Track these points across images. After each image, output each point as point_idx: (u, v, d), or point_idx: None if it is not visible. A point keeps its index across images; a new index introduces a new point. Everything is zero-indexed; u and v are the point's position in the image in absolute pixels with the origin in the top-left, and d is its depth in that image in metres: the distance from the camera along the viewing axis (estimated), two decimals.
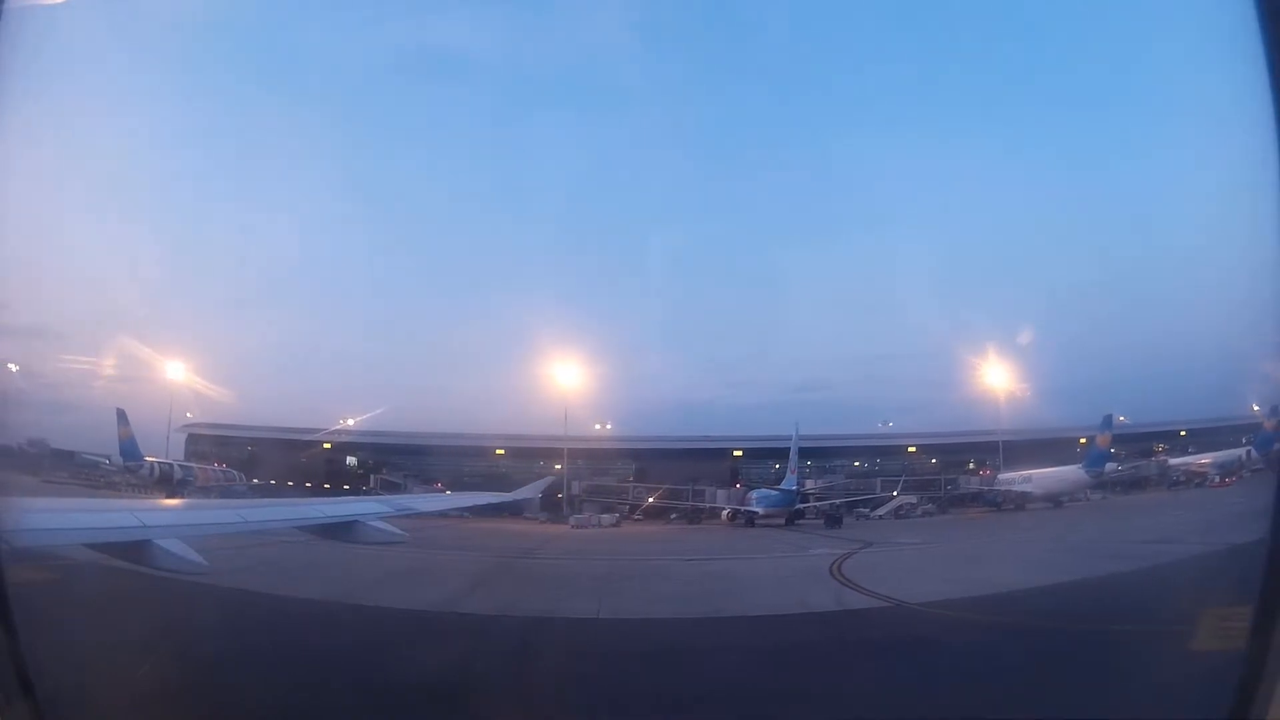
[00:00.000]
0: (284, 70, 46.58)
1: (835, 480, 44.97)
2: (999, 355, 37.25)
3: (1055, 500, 37.75)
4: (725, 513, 41.13)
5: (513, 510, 36.02)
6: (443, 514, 30.11)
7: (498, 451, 46.64)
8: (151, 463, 37.74)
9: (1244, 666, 5.00)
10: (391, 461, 46.06)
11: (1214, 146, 28.56)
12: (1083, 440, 37.69)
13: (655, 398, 47.14)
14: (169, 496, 35.35)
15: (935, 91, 48.89)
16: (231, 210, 46.51)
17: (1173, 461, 39.55)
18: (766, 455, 45.44)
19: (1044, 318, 40.86)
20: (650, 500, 43.54)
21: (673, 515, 42.98)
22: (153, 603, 12.17)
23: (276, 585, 18.18)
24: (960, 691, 10.61)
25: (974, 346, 37.82)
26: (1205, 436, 38.57)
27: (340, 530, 14.22)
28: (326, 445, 43.63)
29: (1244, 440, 33.81)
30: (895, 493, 41.90)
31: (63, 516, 10.37)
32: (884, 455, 46.38)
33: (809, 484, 42.73)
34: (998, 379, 38.12)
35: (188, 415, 41.70)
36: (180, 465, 40.74)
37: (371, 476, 45.20)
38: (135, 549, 10.36)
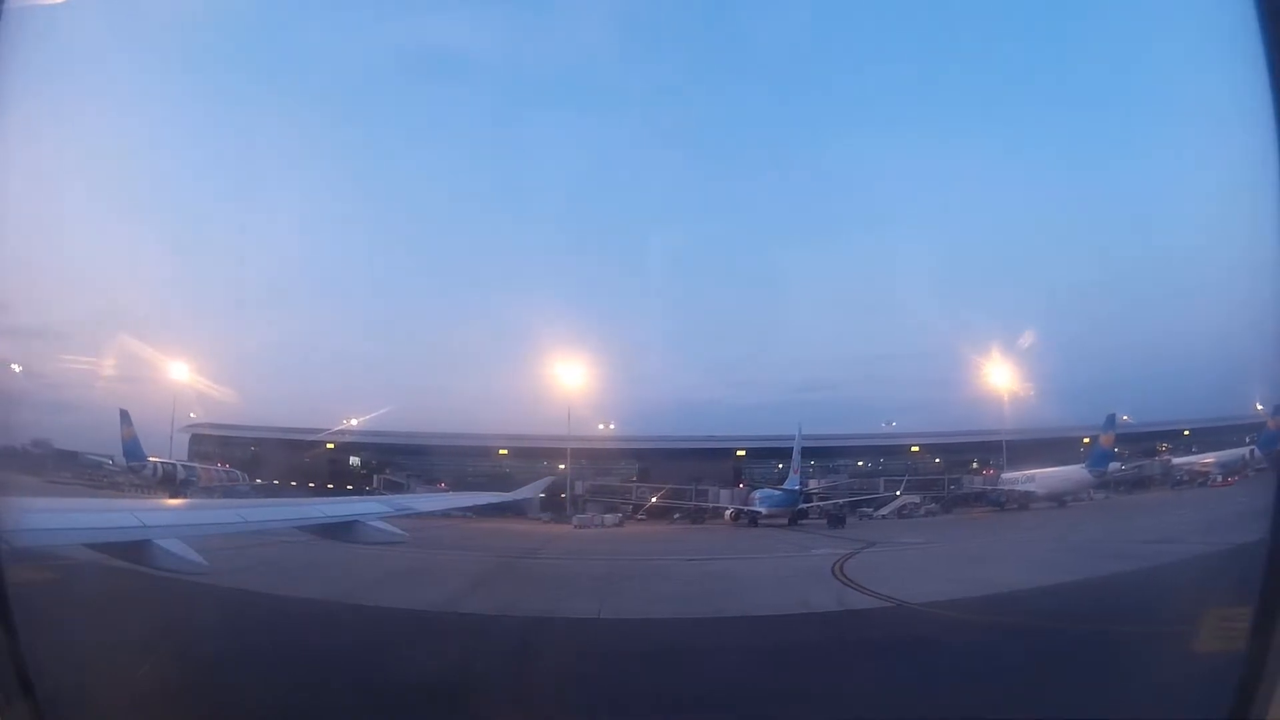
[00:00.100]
0: (285, 70, 46.95)
1: (838, 480, 44.99)
2: (1001, 355, 37.31)
3: (1059, 500, 37.68)
4: (728, 513, 41.19)
5: (515, 510, 36.01)
6: (443, 514, 30.08)
7: (501, 451, 46.74)
8: (155, 463, 37.83)
9: (1244, 667, 4.99)
10: (395, 461, 46.13)
11: (1214, 146, 28.53)
12: (1086, 440, 37.65)
13: (658, 397, 47.32)
14: (172, 497, 35.41)
15: (935, 91, 49.00)
16: (233, 210, 46.70)
17: (1176, 461, 39.49)
18: (769, 455, 45.43)
19: (1046, 317, 40.82)
20: (653, 500, 43.56)
21: (676, 515, 43.05)
22: (153, 603, 12.17)
23: (277, 585, 18.17)
24: (961, 691, 10.57)
25: (976, 346, 37.85)
26: (1208, 436, 38.50)
27: (340, 530, 14.23)
28: (330, 445, 43.75)
29: (1247, 440, 33.72)
30: (898, 492, 41.92)
31: (63, 516, 10.38)
32: (887, 455, 46.40)
33: (812, 484, 42.71)
34: (1000, 378, 38.12)
35: (191, 415, 41.88)
36: (183, 465, 40.82)
37: (375, 476, 45.25)
38: (135, 549, 10.37)
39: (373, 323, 53.44)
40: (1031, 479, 38.35)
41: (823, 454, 45.05)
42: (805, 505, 40.41)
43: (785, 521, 38.82)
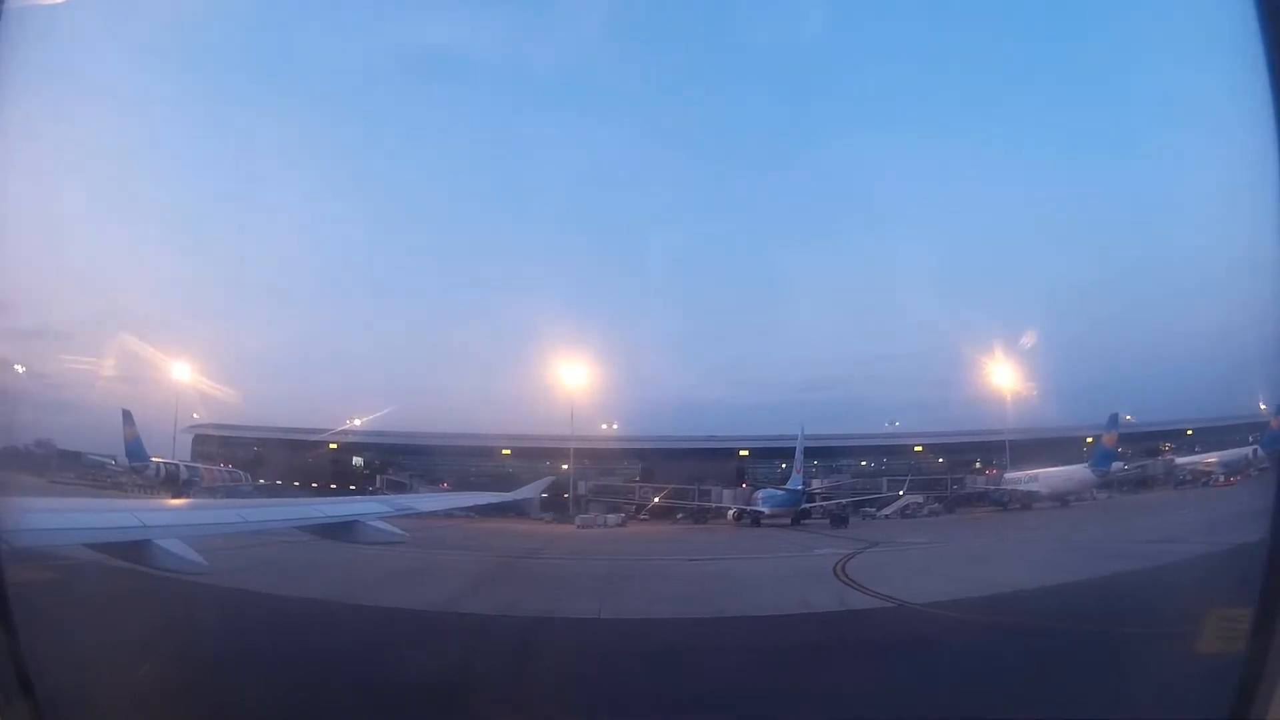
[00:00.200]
0: (285, 70, 47.17)
1: (841, 480, 45.01)
2: (1003, 354, 37.29)
3: (1062, 499, 37.61)
4: (731, 512, 41.19)
5: (516, 510, 36.06)
6: (443, 514, 30.09)
7: (504, 451, 46.84)
8: (157, 463, 37.90)
9: (1244, 667, 4.98)
10: (397, 461, 46.23)
11: (1214, 146, 28.53)
12: (1089, 439, 37.56)
13: (660, 397, 47.39)
14: (175, 497, 35.50)
15: (935, 91, 49.05)
16: (235, 210, 46.86)
17: (1179, 460, 39.44)
18: (772, 455, 45.41)
19: (1048, 317, 40.91)
20: (656, 500, 43.61)
21: (679, 515, 43.09)
22: (153, 603, 12.18)
23: (277, 585, 18.19)
24: (961, 692, 10.55)
25: (977, 345, 37.83)
26: (1212, 435, 38.40)
27: (340, 530, 14.23)
28: (332, 445, 43.82)
29: (1250, 439, 33.64)
30: (901, 492, 41.87)
31: (63, 516, 10.38)
32: (890, 455, 46.39)
33: (815, 483, 42.69)
34: (1003, 378, 38.08)
35: (194, 416, 41.96)
36: (186, 466, 40.89)
37: (377, 476, 45.32)
38: (135, 549, 10.38)
39: (374, 322, 53.75)
40: (1034, 479, 38.28)
41: (825, 454, 45.03)
42: (808, 505, 40.39)
43: (788, 521, 38.83)
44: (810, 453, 42.17)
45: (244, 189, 44.53)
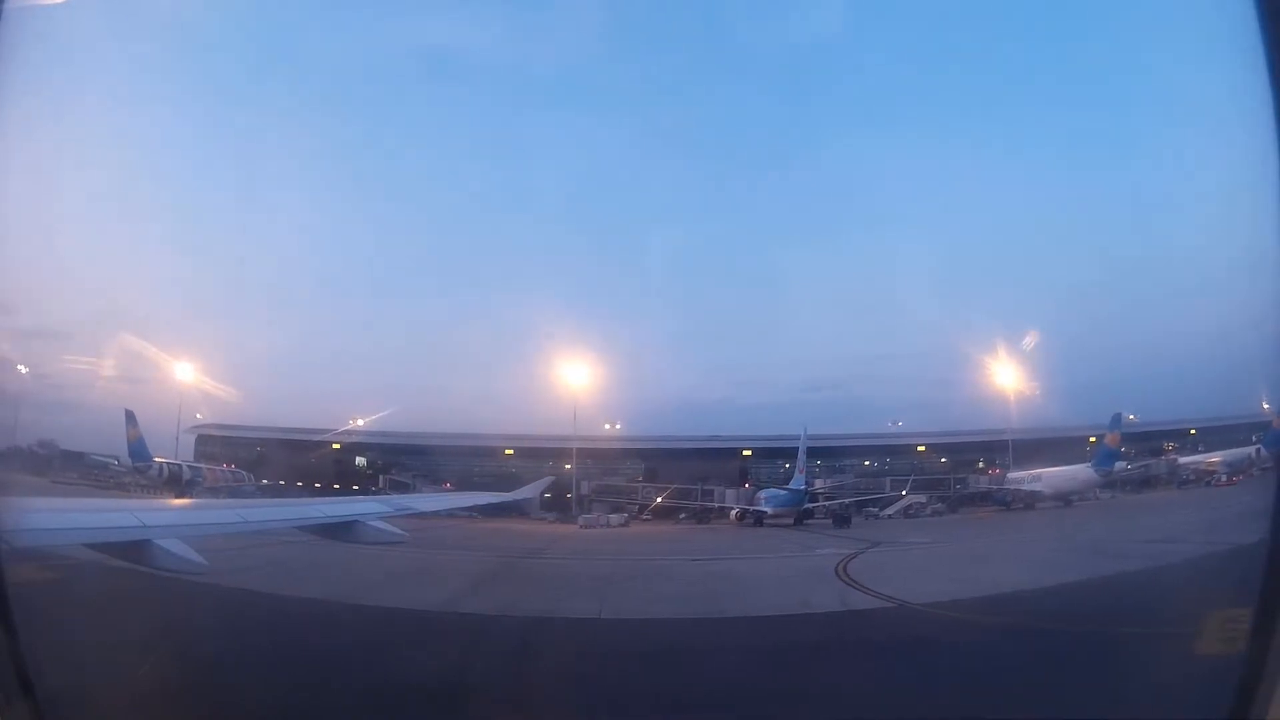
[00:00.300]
0: (285, 70, 46.88)
1: (844, 480, 44.89)
2: (1005, 354, 37.06)
3: (1065, 499, 37.48)
4: (734, 512, 41.09)
5: (517, 510, 36.06)
6: (444, 514, 30.07)
7: (507, 452, 46.80)
8: (160, 463, 37.94)
9: (1244, 667, 4.99)
10: (400, 462, 46.20)
11: (1214, 146, 28.49)
12: (1092, 439, 37.47)
13: (663, 397, 47.29)
14: (178, 497, 35.57)
15: (935, 91, 48.98)
16: (236, 210, 46.73)
17: (1182, 460, 39.33)
18: (775, 455, 45.24)
19: (1050, 316, 40.61)
20: (659, 500, 43.57)
21: (681, 515, 43.05)
22: (153, 603, 12.20)
23: (277, 585, 18.19)
24: (961, 692, 10.53)
25: (979, 345, 37.59)
26: (1215, 435, 38.28)
27: (340, 530, 14.27)
28: (335, 446, 43.79)
29: (1254, 438, 33.53)
30: (904, 492, 41.78)
31: (63, 516, 10.43)
32: (893, 454, 46.23)
33: (818, 483, 42.58)
34: (1006, 378, 37.88)
35: (197, 416, 41.89)
36: (189, 466, 40.92)
37: (380, 477, 45.33)
38: (135, 549, 10.43)
39: (376, 322, 53.63)
40: (1037, 478, 38.16)
41: (828, 454, 44.90)
42: (811, 505, 40.30)
43: (791, 521, 38.75)
44: (813, 453, 42.05)
45: (245, 189, 44.46)
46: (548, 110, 50.78)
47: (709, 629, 16.32)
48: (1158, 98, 40.71)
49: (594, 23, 46.40)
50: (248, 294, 49.63)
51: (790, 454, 42.39)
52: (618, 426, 44.76)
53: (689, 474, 44.49)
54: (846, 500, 41.43)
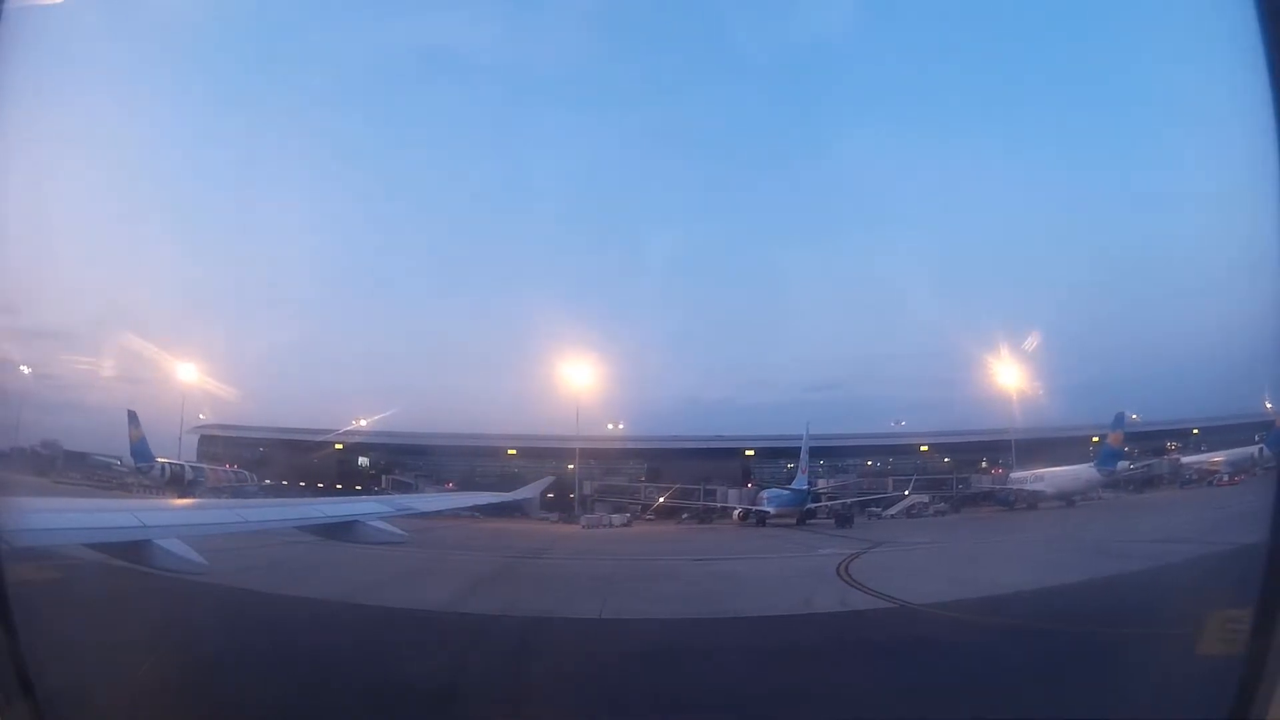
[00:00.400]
0: (286, 70, 46.96)
1: (847, 479, 44.81)
2: (1007, 354, 36.97)
3: (1068, 499, 37.38)
4: (736, 512, 41.08)
5: (518, 510, 36.07)
6: (445, 514, 30.09)
7: (509, 452, 46.78)
8: (163, 464, 37.96)
9: (1244, 667, 4.98)
10: (403, 462, 46.18)
11: (1214, 146, 28.47)
12: (1095, 439, 37.40)
13: (666, 397, 47.57)
14: (180, 497, 35.59)
15: (935, 91, 49.10)
16: (238, 210, 46.77)
17: (1185, 460, 39.24)
18: (778, 455, 45.23)
19: (1052, 316, 40.40)
20: (662, 500, 43.56)
21: (684, 515, 43.04)
22: (153, 602, 12.22)
23: (277, 585, 18.22)
24: (961, 692, 10.54)
25: (981, 345, 37.50)
26: (1218, 434, 38.17)
27: (341, 530, 14.29)
28: (338, 446, 43.76)
29: (1256, 438, 33.46)
30: (907, 492, 41.71)
31: (63, 516, 10.45)
32: (896, 454, 46.16)
33: (820, 483, 42.65)
34: (1008, 377, 37.78)
35: (200, 416, 41.94)
36: (191, 466, 40.92)
37: (383, 477, 45.32)
38: (135, 549, 10.45)
39: (379, 322, 53.52)
40: (1040, 478, 38.08)
41: (831, 453, 44.89)
42: (813, 505, 40.32)
43: (793, 521, 38.77)
44: (815, 452, 42.13)
45: (246, 188, 44.58)
46: (548, 110, 51.02)
47: (710, 629, 16.34)
48: (1158, 98, 40.79)
49: (594, 23, 46.57)
50: (249, 294, 49.92)
51: (793, 454, 42.41)
52: (620, 426, 44.80)
53: (691, 474, 44.45)
54: (849, 500, 41.38)
